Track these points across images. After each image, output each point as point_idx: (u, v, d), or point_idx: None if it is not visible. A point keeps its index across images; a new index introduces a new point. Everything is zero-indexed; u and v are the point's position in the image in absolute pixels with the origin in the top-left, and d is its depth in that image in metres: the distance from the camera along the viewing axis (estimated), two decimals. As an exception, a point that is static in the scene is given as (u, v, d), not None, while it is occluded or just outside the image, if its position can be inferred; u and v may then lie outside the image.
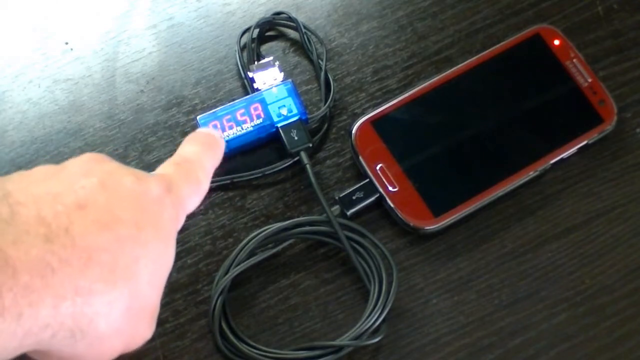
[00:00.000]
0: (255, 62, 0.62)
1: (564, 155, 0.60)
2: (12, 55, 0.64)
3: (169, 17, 0.66)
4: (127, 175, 0.46)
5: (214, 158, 0.53)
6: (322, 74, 0.62)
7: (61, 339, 0.41)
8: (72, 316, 0.41)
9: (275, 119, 0.60)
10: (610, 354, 0.56)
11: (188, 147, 0.53)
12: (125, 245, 0.43)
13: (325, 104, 0.62)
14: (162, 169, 0.50)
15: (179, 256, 0.58)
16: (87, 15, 0.66)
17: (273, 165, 0.60)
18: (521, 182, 0.59)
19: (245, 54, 0.63)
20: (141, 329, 0.47)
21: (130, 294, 0.43)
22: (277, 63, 0.62)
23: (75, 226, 0.41)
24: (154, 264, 0.45)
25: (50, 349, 0.42)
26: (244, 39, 0.64)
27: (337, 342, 0.54)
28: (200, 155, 0.52)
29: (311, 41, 0.64)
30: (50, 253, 0.40)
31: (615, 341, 0.56)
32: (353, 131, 0.60)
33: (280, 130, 0.60)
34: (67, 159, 0.46)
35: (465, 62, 0.62)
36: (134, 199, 0.45)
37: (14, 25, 0.65)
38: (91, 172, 0.45)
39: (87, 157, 0.46)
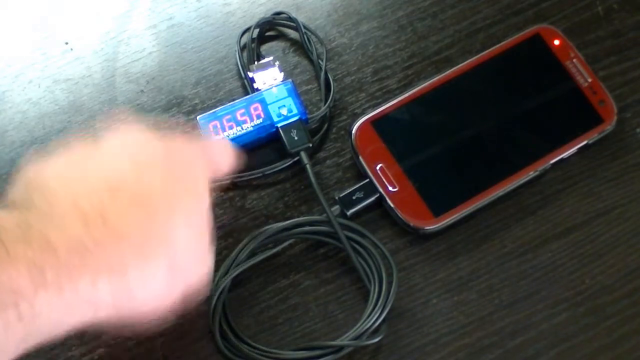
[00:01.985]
0: (255, 62, 0.62)
1: (564, 155, 0.60)
2: (12, 55, 0.64)
3: (169, 17, 0.66)
4: (156, 147, 0.48)
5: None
6: (322, 74, 0.62)
7: (106, 313, 0.45)
8: (110, 293, 0.44)
9: (275, 119, 0.60)
10: (610, 354, 0.56)
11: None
12: (156, 219, 0.46)
13: (325, 104, 0.62)
14: None
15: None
16: (87, 15, 0.66)
17: (273, 165, 0.60)
18: (521, 182, 0.59)
19: (245, 54, 0.63)
20: (193, 274, 0.49)
21: (167, 261, 0.46)
22: (277, 63, 0.62)
23: (108, 209, 0.44)
24: (189, 223, 0.47)
25: (100, 322, 0.45)
26: (244, 39, 0.64)
27: (337, 342, 0.54)
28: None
29: (311, 41, 0.64)
30: (87, 235, 0.43)
31: (615, 341, 0.56)
32: (353, 131, 0.60)
33: (280, 130, 0.60)
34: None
35: (465, 62, 0.62)
36: (164, 168, 0.47)
37: (14, 25, 0.65)
38: (123, 149, 0.47)
39: (121, 133, 0.48)
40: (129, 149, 0.47)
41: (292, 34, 0.65)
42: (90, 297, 0.43)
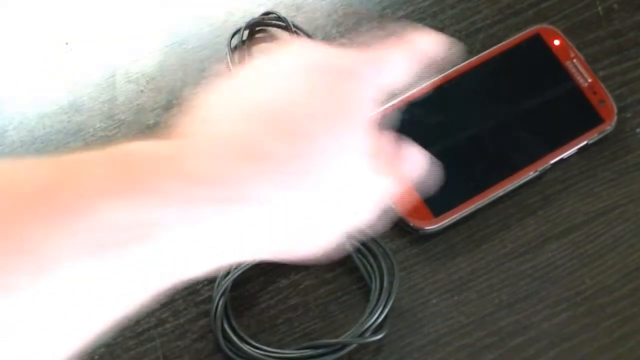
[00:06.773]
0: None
1: (564, 155, 0.60)
2: (12, 55, 0.64)
3: (169, 17, 0.65)
4: (310, 66, 0.43)
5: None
6: None
7: (254, 251, 0.41)
8: (256, 229, 0.39)
9: None
10: (610, 354, 0.56)
11: None
12: (301, 146, 0.41)
13: None
14: None
15: (179, 256, 0.58)
16: (87, 15, 0.66)
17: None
18: (521, 182, 0.59)
19: (236, 55, 0.63)
20: (354, 206, 0.43)
21: (319, 192, 0.41)
22: None
23: (255, 139, 0.40)
24: (342, 148, 0.42)
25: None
26: (235, 40, 0.63)
27: (340, 340, 0.54)
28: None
29: None
30: (230, 168, 0.39)
31: (615, 341, 0.56)
32: (353, 131, 0.60)
33: None
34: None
35: (465, 62, 0.62)
36: (314, 88, 0.42)
37: (13, 25, 0.65)
38: (279, 74, 0.43)
39: (280, 54, 0.45)
40: (283, 70, 0.43)
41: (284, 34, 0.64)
42: (232, 230, 0.39)
